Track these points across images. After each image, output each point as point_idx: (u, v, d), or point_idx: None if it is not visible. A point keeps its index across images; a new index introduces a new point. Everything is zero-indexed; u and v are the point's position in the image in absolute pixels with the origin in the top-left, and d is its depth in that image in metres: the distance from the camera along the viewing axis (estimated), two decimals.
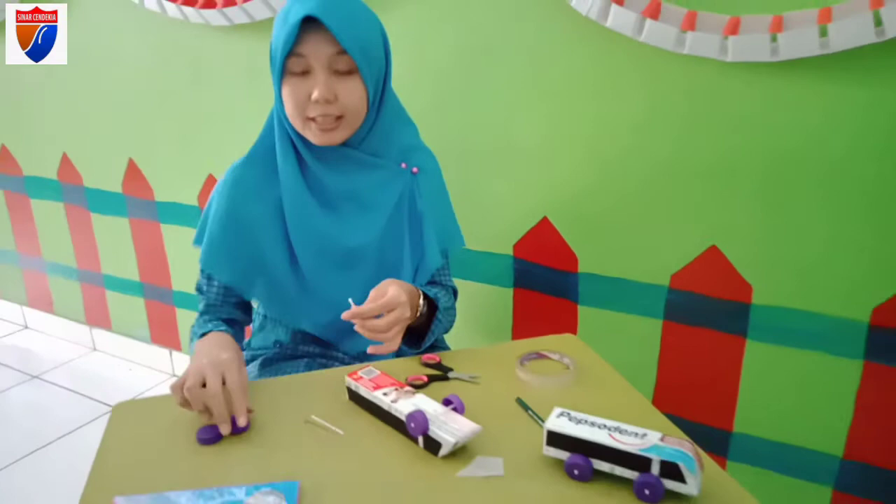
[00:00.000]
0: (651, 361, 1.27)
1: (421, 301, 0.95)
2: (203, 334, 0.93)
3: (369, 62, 0.93)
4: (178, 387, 0.77)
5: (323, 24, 0.88)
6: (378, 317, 0.87)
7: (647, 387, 1.28)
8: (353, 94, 0.93)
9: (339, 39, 0.89)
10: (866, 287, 1.05)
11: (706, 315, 1.19)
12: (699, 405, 1.25)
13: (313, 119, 0.93)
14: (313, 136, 0.95)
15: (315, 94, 0.91)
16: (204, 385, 0.76)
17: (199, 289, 1.05)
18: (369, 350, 0.89)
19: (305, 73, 0.92)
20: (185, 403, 0.77)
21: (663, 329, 1.24)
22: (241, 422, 0.76)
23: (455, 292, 1.11)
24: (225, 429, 0.75)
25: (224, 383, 0.77)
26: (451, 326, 1.07)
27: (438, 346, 1.13)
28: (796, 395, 1.15)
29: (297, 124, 0.95)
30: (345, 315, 0.85)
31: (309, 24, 0.89)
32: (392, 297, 0.86)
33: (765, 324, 1.14)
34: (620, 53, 1.13)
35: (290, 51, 0.90)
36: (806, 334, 1.11)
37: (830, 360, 1.10)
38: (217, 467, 0.70)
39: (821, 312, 1.09)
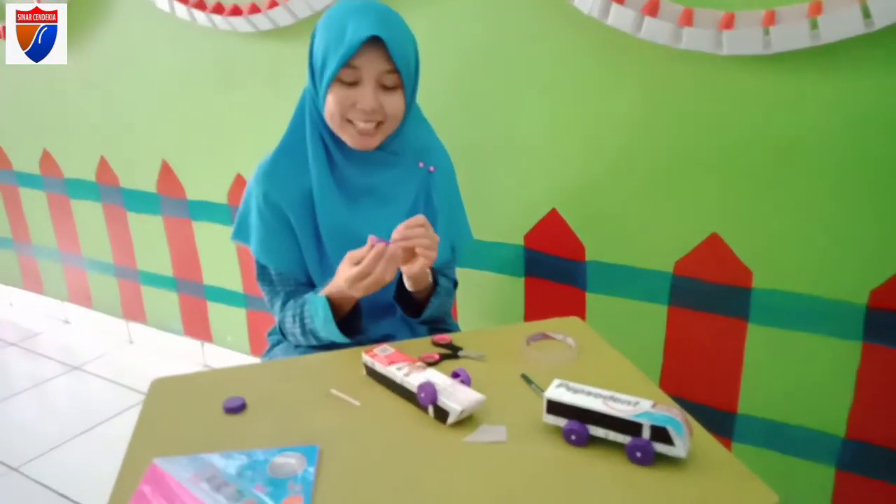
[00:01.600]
0: (657, 345, 1.32)
1: (429, 274, 1.04)
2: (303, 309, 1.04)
3: (411, 79, 1.02)
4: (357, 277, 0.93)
5: (379, 43, 0.96)
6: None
7: (653, 370, 1.33)
8: (395, 106, 1.01)
9: (395, 59, 0.97)
10: (863, 270, 1.08)
11: (709, 300, 1.23)
12: (704, 387, 1.29)
13: (351, 122, 1.01)
14: (350, 138, 1.03)
15: (362, 105, 0.98)
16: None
17: (269, 283, 1.10)
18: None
19: (354, 83, 0.99)
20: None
21: (668, 314, 1.29)
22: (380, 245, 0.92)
23: (455, 284, 1.19)
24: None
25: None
26: (449, 309, 1.16)
27: (450, 328, 1.19)
28: (798, 376, 1.18)
29: (335, 125, 1.02)
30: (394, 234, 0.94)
31: (366, 40, 0.96)
32: (416, 218, 0.95)
33: (765, 307, 1.18)
34: (621, 50, 1.18)
35: (346, 63, 0.97)
36: (805, 317, 1.15)
37: (830, 342, 1.14)
38: (245, 434, 0.77)
39: (819, 295, 1.12)
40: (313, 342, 1.06)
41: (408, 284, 1.04)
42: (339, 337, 1.01)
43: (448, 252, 1.12)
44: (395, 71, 0.98)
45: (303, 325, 1.04)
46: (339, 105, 1.00)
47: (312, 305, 1.02)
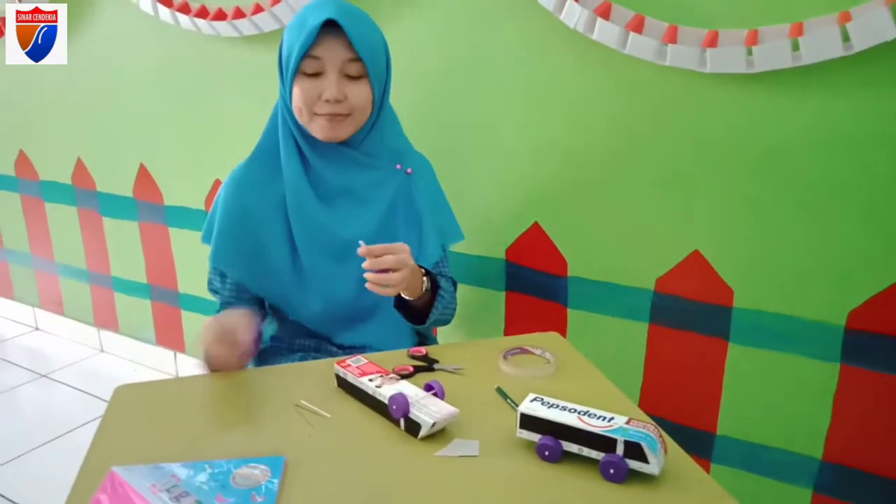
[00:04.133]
0: (638, 364, 1.31)
1: (424, 279, 1.01)
2: None
3: (377, 68, 1.01)
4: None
5: (339, 31, 0.95)
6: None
7: (633, 389, 1.32)
8: (361, 95, 1.00)
9: (355, 45, 0.96)
10: (842, 291, 1.08)
11: (690, 318, 1.23)
12: (684, 407, 1.28)
13: (318, 115, 0.99)
14: (319, 129, 1.01)
15: (327, 94, 0.98)
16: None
17: (213, 289, 1.09)
18: (368, 281, 0.92)
19: (317, 74, 0.98)
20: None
21: (649, 332, 1.28)
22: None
23: (454, 283, 1.16)
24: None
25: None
26: (452, 312, 1.12)
27: (427, 340, 1.18)
28: (777, 397, 1.18)
29: (304, 119, 1.01)
30: (360, 251, 0.91)
31: (326, 29, 0.96)
32: (399, 244, 0.92)
33: (746, 327, 1.17)
34: (606, 65, 1.18)
35: (306, 53, 0.96)
36: (785, 337, 1.14)
37: (809, 363, 1.13)
38: (209, 444, 0.75)
39: (798, 316, 1.12)
40: None
41: (404, 293, 1.01)
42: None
43: (439, 251, 1.10)
44: (359, 59, 0.97)
45: None
46: (304, 97, 0.99)
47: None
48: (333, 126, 1.01)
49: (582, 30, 1.13)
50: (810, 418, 1.16)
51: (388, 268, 0.92)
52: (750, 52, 1.01)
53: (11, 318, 2.59)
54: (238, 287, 1.07)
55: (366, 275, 0.92)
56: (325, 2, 0.98)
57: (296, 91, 0.99)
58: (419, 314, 1.05)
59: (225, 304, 1.08)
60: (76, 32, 1.93)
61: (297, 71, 0.98)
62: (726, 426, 1.25)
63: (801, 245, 1.10)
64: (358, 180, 1.06)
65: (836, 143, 1.03)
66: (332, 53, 0.97)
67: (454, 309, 1.13)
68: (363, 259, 1.05)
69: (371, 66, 0.99)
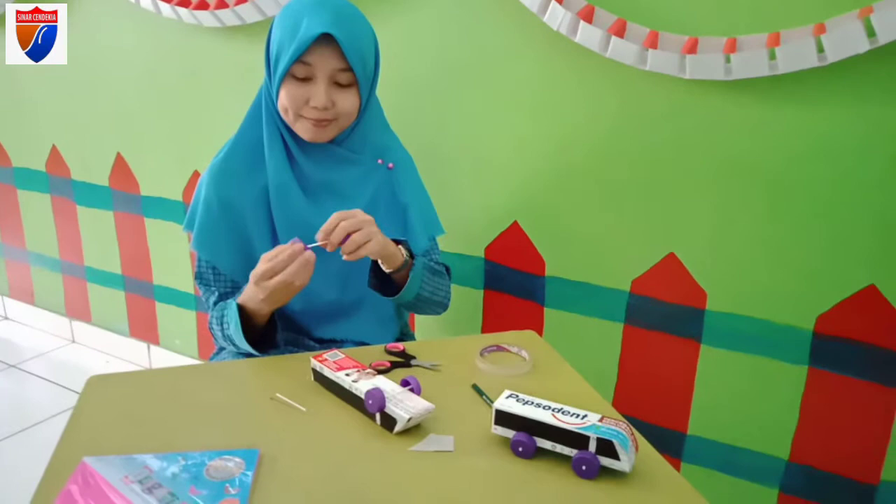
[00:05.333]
0: (612, 363, 1.32)
1: (400, 248, 1.00)
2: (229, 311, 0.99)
3: (366, 76, 1.01)
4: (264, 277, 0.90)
5: (332, 40, 0.94)
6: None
7: (607, 388, 1.33)
8: (348, 102, 1.00)
9: (348, 56, 0.95)
10: (811, 296, 1.11)
11: (664, 319, 1.25)
12: (657, 407, 1.30)
13: (306, 118, 0.99)
14: (304, 131, 1.01)
15: (314, 102, 0.97)
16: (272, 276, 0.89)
17: (204, 281, 1.07)
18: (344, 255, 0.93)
19: (307, 79, 0.97)
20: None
21: (624, 332, 1.30)
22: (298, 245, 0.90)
23: (448, 270, 1.16)
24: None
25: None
26: (446, 295, 1.12)
27: (405, 336, 1.18)
28: (746, 398, 1.20)
29: (289, 119, 1.01)
30: (318, 241, 0.91)
31: (319, 37, 0.94)
32: (345, 211, 0.92)
33: (717, 329, 1.20)
34: (589, 68, 1.19)
35: (298, 58, 0.95)
36: (755, 340, 1.17)
37: (777, 366, 1.16)
38: (183, 436, 0.74)
39: (768, 319, 1.15)
40: (233, 349, 1.03)
41: (382, 266, 1.00)
42: (248, 347, 0.97)
43: (426, 242, 1.11)
44: (349, 69, 0.97)
45: (222, 329, 1.01)
46: (291, 101, 0.98)
47: (230, 309, 0.98)
48: (318, 130, 1.00)
49: (565, 32, 1.15)
50: (778, 420, 1.18)
51: (349, 232, 0.91)
52: (728, 60, 1.03)
53: None
54: (233, 282, 1.06)
55: (340, 251, 0.92)
56: (322, 4, 0.96)
57: (283, 93, 0.99)
58: (397, 286, 1.04)
59: (223, 296, 1.06)
60: None
61: (286, 72, 0.97)
62: (697, 426, 1.27)
63: (772, 250, 1.12)
64: (340, 175, 1.06)
65: (808, 150, 1.06)
66: (324, 62, 0.96)
67: (448, 292, 1.13)
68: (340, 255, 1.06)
69: (361, 76, 0.99)
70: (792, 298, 1.12)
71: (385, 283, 1.04)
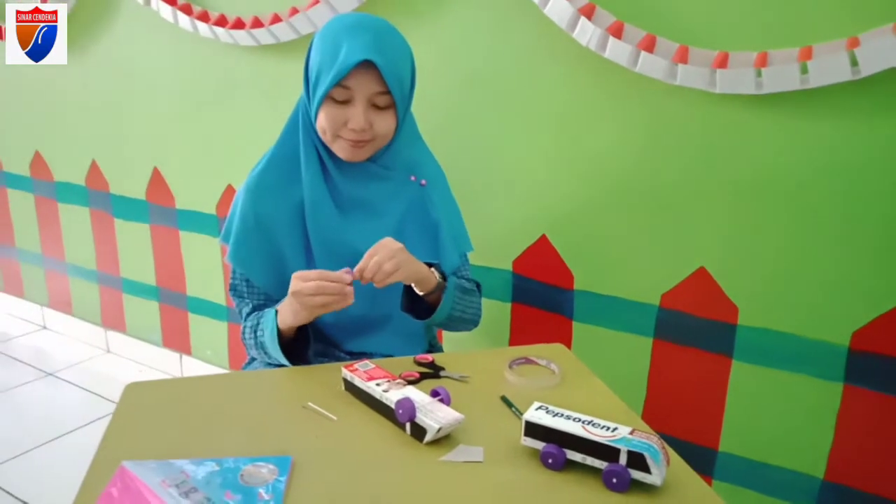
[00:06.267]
0: (641, 378, 1.31)
1: (433, 270, 1.02)
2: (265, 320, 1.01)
3: (403, 97, 1.02)
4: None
5: (372, 64, 0.96)
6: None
7: (637, 403, 1.32)
8: (385, 124, 1.02)
9: (387, 80, 0.97)
10: (846, 311, 1.09)
11: (694, 334, 1.23)
12: (687, 423, 1.28)
13: (344, 139, 1.01)
14: (342, 151, 1.03)
15: (353, 124, 0.99)
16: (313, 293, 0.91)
17: (238, 293, 1.10)
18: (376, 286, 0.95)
19: (346, 102, 1.00)
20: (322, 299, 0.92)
21: (653, 347, 1.29)
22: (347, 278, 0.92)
23: (478, 286, 1.17)
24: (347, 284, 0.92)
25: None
26: (476, 312, 1.14)
27: (433, 349, 1.19)
28: (779, 415, 1.18)
29: (327, 139, 1.03)
30: (353, 278, 0.93)
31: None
32: (376, 246, 0.95)
33: (749, 345, 1.18)
34: (618, 82, 1.20)
35: (338, 83, 0.98)
36: (788, 356, 1.15)
37: (812, 383, 1.14)
38: (218, 442, 0.76)
39: (802, 335, 1.13)
40: (265, 359, 1.05)
41: (416, 289, 1.03)
42: (280, 356, 0.99)
43: (457, 259, 1.12)
44: (388, 92, 0.99)
45: (255, 337, 1.03)
46: (330, 122, 1.00)
47: (266, 318, 1.01)
48: (356, 150, 1.03)
49: (594, 48, 1.15)
50: (813, 437, 1.16)
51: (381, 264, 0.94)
52: (759, 74, 1.02)
53: (19, 317, 2.61)
54: (266, 295, 1.08)
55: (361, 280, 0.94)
56: (362, 27, 0.98)
57: (322, 115, 1.01)
58: (430, 308, 1.06)
59: (256, 308, 1.09)
60: (95, 36, 1.97)
61: (326, 96, 0.99)
62: (729, 443, 1.25)
63: (806, 265, 1.11)
64: (372, 192, 1.08)
65: (842, 165, 1.05)
66: (363, 86, 0.98)
67: (478, 309, 1.15)
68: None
69: (399, 99, 1.01)
70: (826, 314, 1.10)
71: (417, 304, 1.05)
